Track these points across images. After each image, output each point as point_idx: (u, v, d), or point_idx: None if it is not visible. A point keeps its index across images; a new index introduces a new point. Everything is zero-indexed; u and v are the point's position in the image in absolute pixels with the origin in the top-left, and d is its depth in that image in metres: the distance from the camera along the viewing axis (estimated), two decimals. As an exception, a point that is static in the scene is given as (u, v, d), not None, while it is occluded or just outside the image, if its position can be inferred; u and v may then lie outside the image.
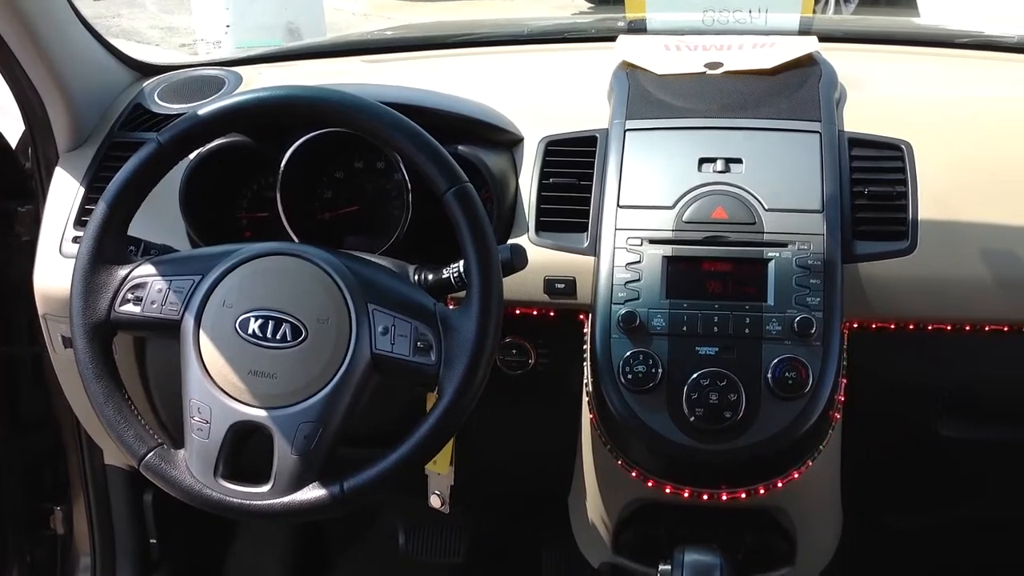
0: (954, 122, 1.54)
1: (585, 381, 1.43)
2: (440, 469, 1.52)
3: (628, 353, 1.34)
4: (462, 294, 1.25)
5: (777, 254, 1.36)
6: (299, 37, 6.70)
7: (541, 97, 1.69)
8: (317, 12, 7.20)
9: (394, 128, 1.25)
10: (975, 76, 1.75)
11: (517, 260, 1.31)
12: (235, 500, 1.22)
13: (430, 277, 1.31)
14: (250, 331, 1.23)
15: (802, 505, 1.47)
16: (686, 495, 1.40)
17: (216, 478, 1.23)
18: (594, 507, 1.55)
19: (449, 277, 1.29)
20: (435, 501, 1.57)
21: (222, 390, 1.23)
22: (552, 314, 1.48)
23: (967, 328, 1.41)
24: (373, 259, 1.34)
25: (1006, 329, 1.41)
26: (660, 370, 1.33)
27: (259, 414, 1.21)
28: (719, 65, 1.58)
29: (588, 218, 1.46)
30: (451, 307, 1.25)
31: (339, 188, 1.60)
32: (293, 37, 6.72)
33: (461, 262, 1.26)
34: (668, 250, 1.38)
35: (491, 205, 1.47)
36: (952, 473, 1.57)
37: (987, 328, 1.41)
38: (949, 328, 1.42)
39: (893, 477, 1.61)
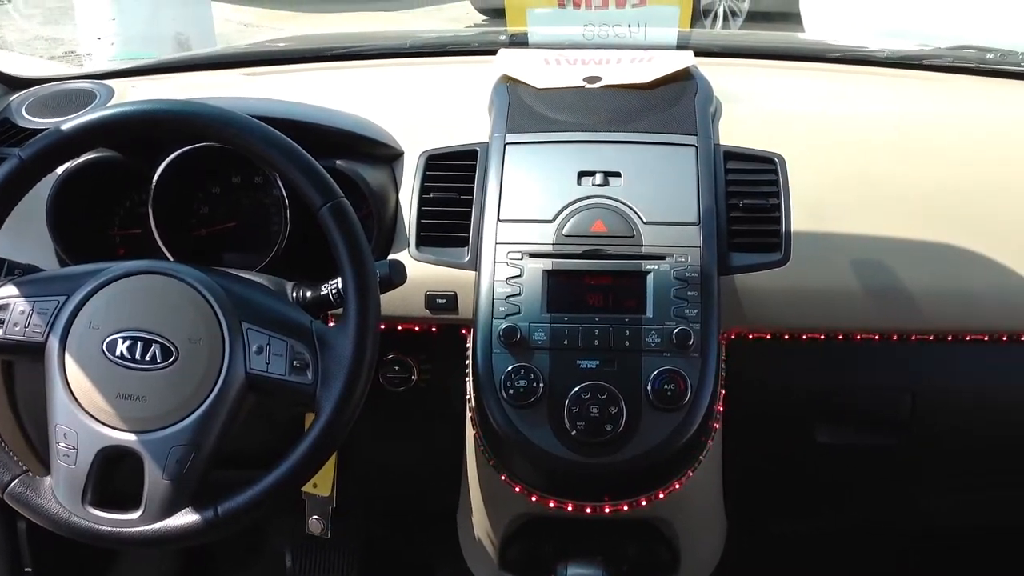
0: (825, 135, 1.58)
1: (468, 396, 1.42)
2: (322, 491, 1.50)
3: (509, 368, 1.34)
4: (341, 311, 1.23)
5: (655, 267, 1.37)
6: (188, 48, 6.55)
7: (422, 111, 1.68)
8: (207, 23, 7.06)
9: (266, 143, 1.23)
10: (847, 90, 1.80)
11: (396, 276, 1.30)
12: (104, 528, 1.18)
13: (308, 294, 1.29)
14: (117, 353, 1.19)
15: (684, 515, 1.49)
16: (570, 508, 1.40)
17: (84, 505, 1.19)
18: (480, 523, 1.55)
19: (328, 294, 1.27)
20: (314, 526, 1.54)
21: (89, 414, 1.19)
22: (434, 330, 1.47)
23: (839, 337, 1.45)
24: (249, 276, 1.32)
25: (876, 338, 1.44)
26: (541, 384, 1.33)
27: (128, 438, 1.18)
28: (598, 79, 1.59)
29: (469, 233, 1.45)
30: (330, 324, 1.23)
31: (216, 204, 1.57)
32: (182, 48, 6.57)
33: (340, 278, 1.24)
34: (548, 264, 1.38)
35: (371, 220, 1.46)
36: (829, 479, 1.60)
37: (858, 337, 1.44)
38: (823, 337, 1.45)
39: (774, 484, 1.63)
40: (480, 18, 9.15)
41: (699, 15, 7.36)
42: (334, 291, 1.26)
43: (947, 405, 1.49)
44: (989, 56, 1.95)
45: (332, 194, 1.22)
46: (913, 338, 1.44)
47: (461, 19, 9.01)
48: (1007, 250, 1.43)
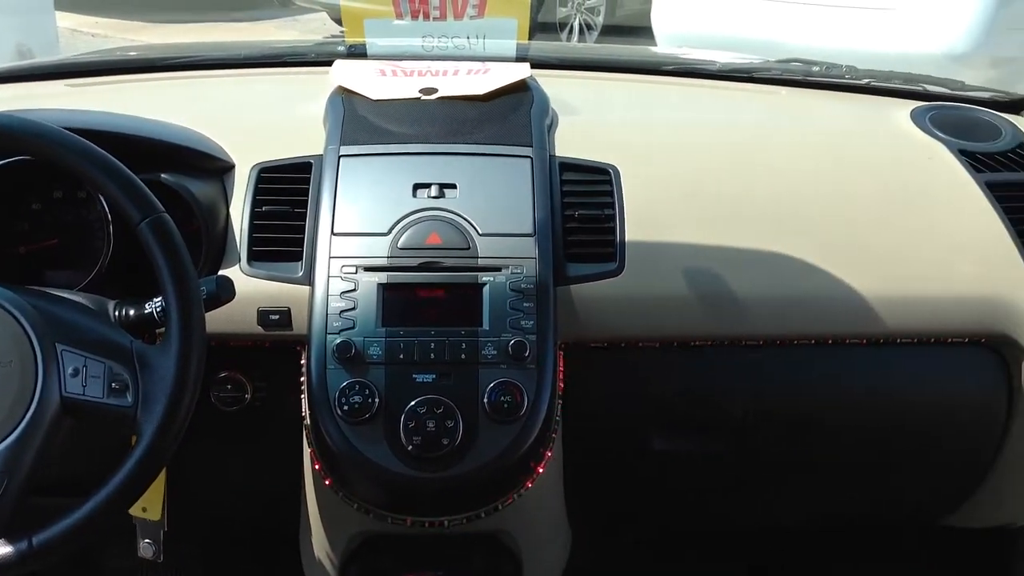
0: (658, 146, 1.61)
1: (304, 414, 1.39)
2: (152, 515, 1.44)
3: (344, 384, 1.32)
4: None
5: (491, 278, 1.36)
6: (31, 59, 6.31)
7: (256, 123, 1.65)
8: (51, 33, 6.79)
9: (81, 156, 1.18)
10: (680, 102, 1.84)
11: (224, 292, 1.27)
12: None
13: (131, 313, 1.25)
14: None
15: (526, 525, 1.49)
16: (408, 524, 1.39)
17: None
18: (320, 542, 1.51)
19: (152, 312, 1.23)
20: (145, 550, 1.49)
21: None
22: (268, 346, 1.43)
23: (675, 344, 1.47)
24: (66, 296, 1.26)
25: (709, 344, 1.47)
26: (377, 400, 1.31)
27: None
28: (434, 91, 1.58)
29: (303, 247, 1.42)
30: (156, 343, 1.19)
31: (37, 220, 1.50)
32: (23, 59, 6.33)
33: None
34: (383, 277, 1.36)
35: (199, 235, 1.41)
36: (670, 485, 1.63)
37: (692, 344, 1.47)
38: (658, 345, 1.47)
39: (617, 492, 1.65)
40: (337, 29, 9.06)
41: (555, 28, 7.45)
42: (158, 309, 1.22)
43: (780, 409, 1.53)
44: (815, 69, 2.03)
45: (151, 209, 1.18)
46: (744, 344, 1.48)
47: (318, 30, 8.91)
48: (831, 257, 1.48)
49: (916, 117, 1.70)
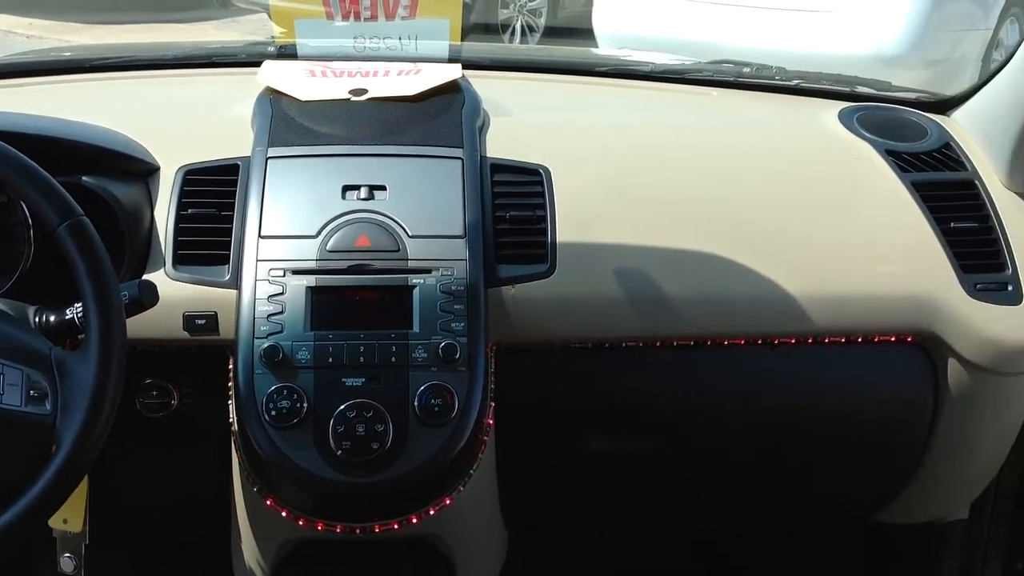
0: (590, 147, 1.61)
1: (231, 419, 1.37)
2: (73, 527, 1.41)
3: (272, 388, 1.30)
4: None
5: (421, 280, 1.35)
6: (-40, 59, 6.17)
7: (181, 124, 1.62)
8: (-17, 34, 6.67)
9: None
10: (612, 103, 1.84)
11: (147, 296, 1.24)
12: None
13: (52, 318, 1.22)
14: None
15: (458, 529, 1.47)
16: (339, 530, 1.37)
17: None
18: (250, 550, 1.49)
19: (72, 317, 1.21)
20: (66, 565, 1.45)
21: None
22: (194, 351, 1.41)
23: (606, 345, 1.47)
24: None
25: (640, 345, 1.47)
26: (305, 404, 1.29)
27: None
28: (364, 91, 1.56)
29: (230, 250, 1.40)
30: (78, 350, 1.16)
31: None
32: (-47, 60, 6.19)
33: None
34: (312, 280, 1.35)
35: (123, 239, 1.39)
36: (606, 486, 1.63)
37: (624, 344, 1.47)
38: (590, 346, 1.46)
39: (553, 492, 1.64)
40: (279, 29, 8.96)
41: (497, 30, 7.44)
42: (79, 314, 1.20)
43: (712, 409, 1.54)
44: (745, 70, 2.04)
45: (69, 212, 1.15)
46: (675, 344, 1.48)
47: (258, 31, 8.81)
48: (759, 257, 1.48)
49: (844, 117, 1.72)
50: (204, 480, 1.50)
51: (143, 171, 1.47)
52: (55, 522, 1.38)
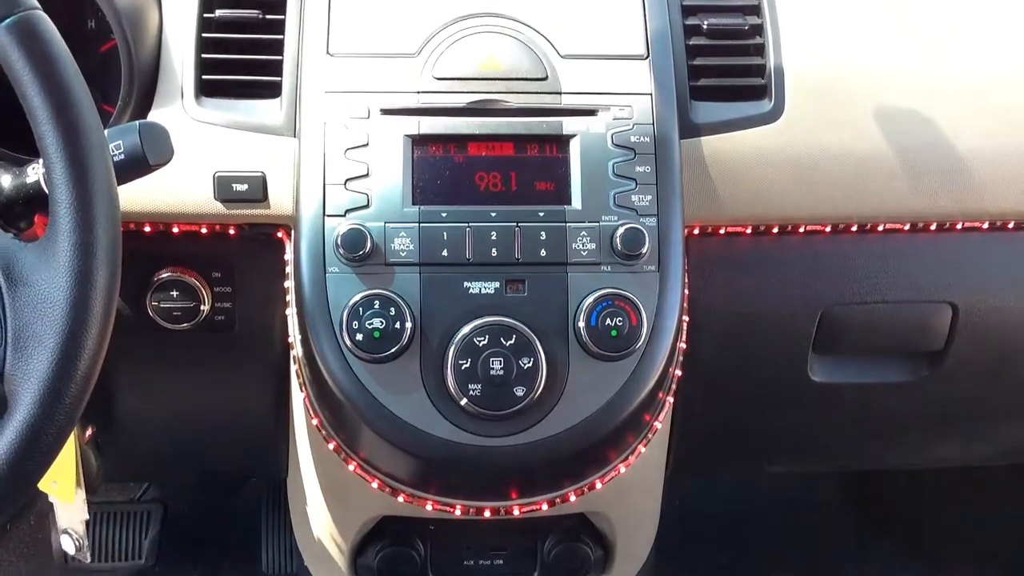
0: None
1: (291, 339, 0.93)
2: (65, 497, 0.97)
3: (358, 297, 0.87)
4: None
5: (584, 127, 0.92)
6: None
7: None
8: None
9: None
10: None
11: (152, 148, 0.78)
12: None
13: (4, 184, 0.76)
14: None
15: (623, 504, 1.06)
16: (457, 513, 0.92)
17: None
18: (320, 520, 1.06)
19: (38, 180, 0.75)
20: (68, 544, 1.05)
21: None
22: (233, 233, 0.97)
23: (852, 229, 0.99)
24: None
25: (906, 228, 0.98)
26: (408, 324, 0.87)
27: None
28: None
29: (282, 75, 0.96)
30: (36, 241, 0.70)
31: None
32: None
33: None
34: (413, 124, 0.91)
35: (117, 57, 0.93)
36: (826, 420, 1.16)
37: (881, 228, 0.98)
38: (827, 229, 0.98)
39: (727, 432, 1.18)
40: None
41: None
42: (45, 177, 0.72)
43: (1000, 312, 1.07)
44: None
45: (15, 4, 0.67)
46: (958, 228, 0.99)
47: None
48: None
49: None
50: (251, 428, 1.09)
51: None
52: (44, 485, 0.95)
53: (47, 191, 0.73)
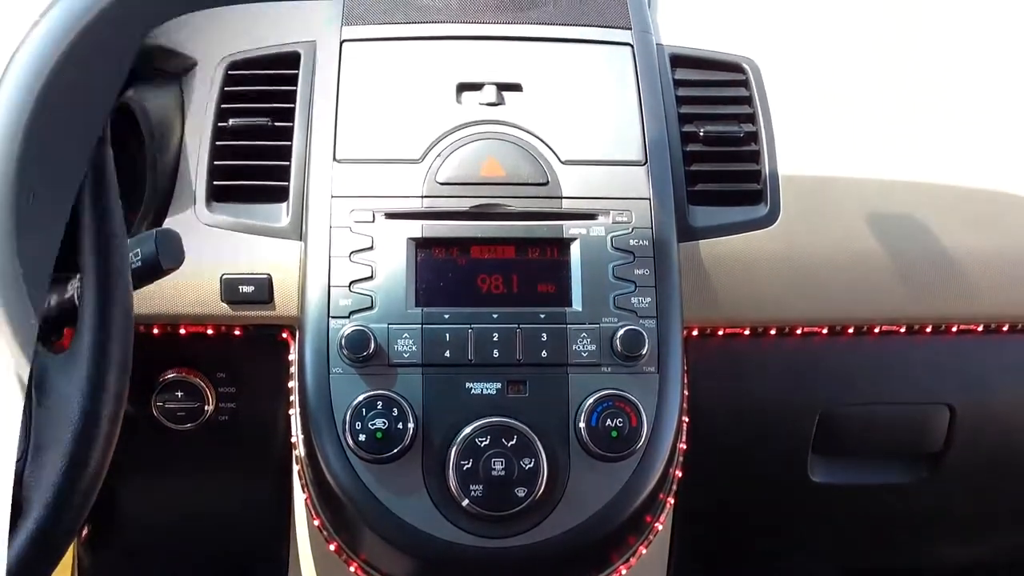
0: (813, 29, 1.12)
1: (294, 440, 0.92)
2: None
3: (361, 398, 0.87)
4: None
5: (583, 231, 0.92)
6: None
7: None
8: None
9: None
10: None
11: (166, 255, 0.78)
12: None
13: (53, 300, 0.77)
14: None
15: None
16: None
17: None
18: None
19: (72, 295, 0.75)
20: None
21: None
22: (238, 334, 0.97)
23: (848, 331, 0.99)
24: None
25: (903, 331, 0.99)
26: (412, 425, 0.86)
27: None
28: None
29: (289, 179, 0.97)
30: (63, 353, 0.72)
31: None
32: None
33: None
34: (416, 228, 0.92)
35: (143, 168, 0.95)
36: (828, 520, 1.16)
37: (877, 330, 0.99)
38: (824, 331, 0.99)
39: (729, 528, 1.18)
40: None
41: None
42: (79, 292, 0.74)
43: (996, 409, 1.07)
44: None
45: None
46: (947, 330, 1.00)
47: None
48: None
49: None
50: (252, 528, 1.07)
51: (178, 69, 1.01)
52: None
53: (78, 305, 0.75)
